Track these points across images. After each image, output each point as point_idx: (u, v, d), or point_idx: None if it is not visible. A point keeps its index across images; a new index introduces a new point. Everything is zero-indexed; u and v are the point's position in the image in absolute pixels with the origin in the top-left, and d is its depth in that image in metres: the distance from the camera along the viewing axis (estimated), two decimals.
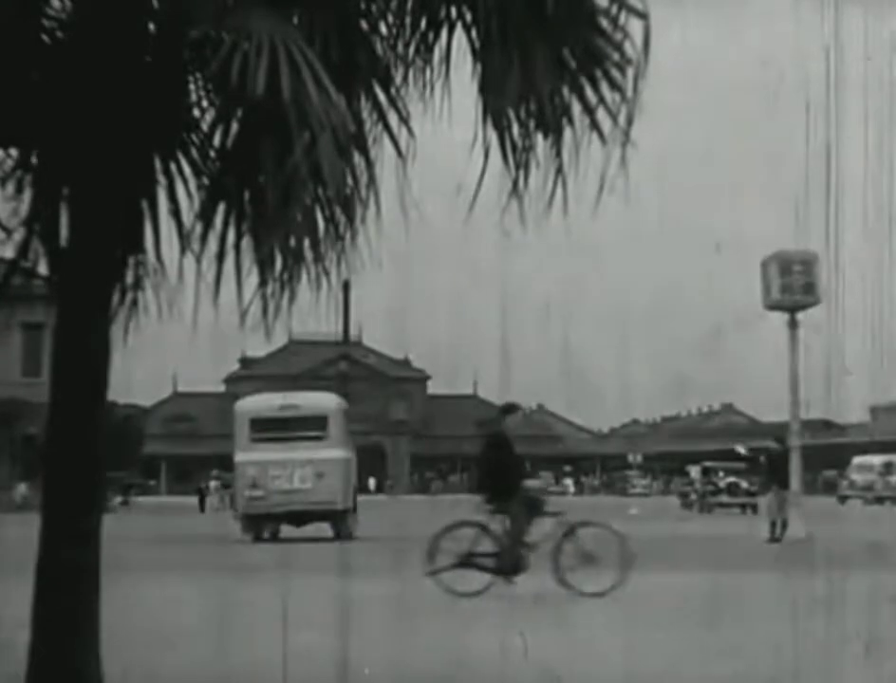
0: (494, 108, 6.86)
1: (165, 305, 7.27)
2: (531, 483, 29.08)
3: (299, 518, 28.69)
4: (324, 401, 31.06)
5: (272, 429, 28.73)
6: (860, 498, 65.59)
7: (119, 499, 62.30)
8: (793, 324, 32.88)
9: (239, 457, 29.37)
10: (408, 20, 7.08)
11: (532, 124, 6.86)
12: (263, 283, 6.75)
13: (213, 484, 66.76)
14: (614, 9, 6.77)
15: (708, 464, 58.19)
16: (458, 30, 7.01)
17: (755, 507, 47.72)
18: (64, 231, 7.16)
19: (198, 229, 6.84)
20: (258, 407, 30.53)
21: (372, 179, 7.07)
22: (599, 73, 6.83)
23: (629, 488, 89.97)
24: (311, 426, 28.71)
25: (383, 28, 7.14)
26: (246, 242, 6.80)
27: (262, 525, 28.52)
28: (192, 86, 7.06)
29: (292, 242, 6.67)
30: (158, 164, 7.17)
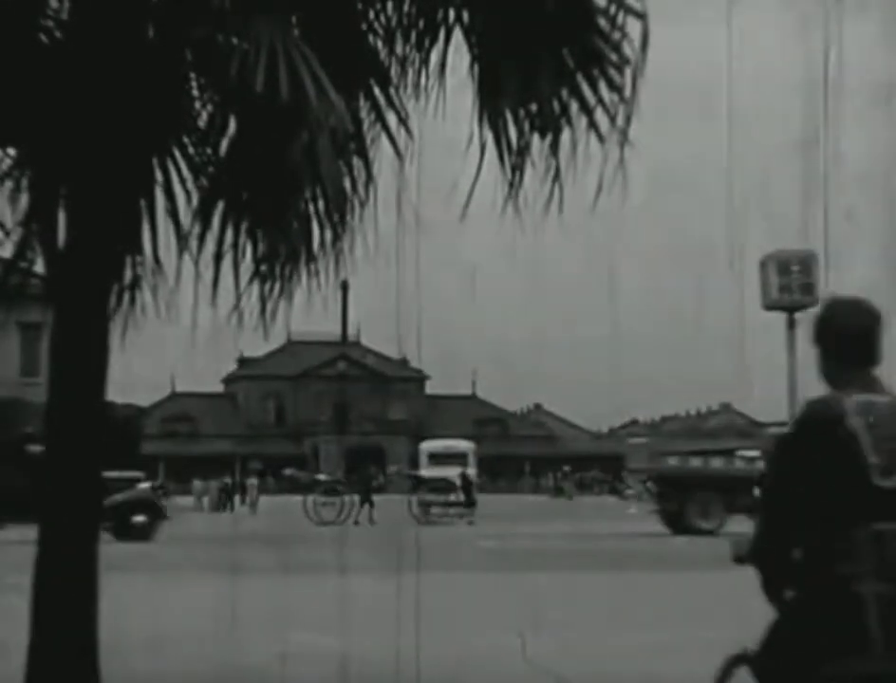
0: (490, 109, 6.86)
1: (163, 305, 7.28)
2: None
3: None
4: (464, 444, 53.99)
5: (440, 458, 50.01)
6: None
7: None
8: (791, 324, 32.84)
9: (423, 473, 47.73)
10: (406, 21, 7.09)
11: (528, 125, 6.86)
12: (261, 282, 6.76)
13: (212, 484, 66.12)
14: (612, 10, 6.77)
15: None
16: (457, 31, 7.02)
17: None
18: (61, 231, 7.16)
19: (196, 229, 6.84)
20: (432, 446, 54.11)
21: (370, 179, 7.07)
22: (597, 73, 6.83)
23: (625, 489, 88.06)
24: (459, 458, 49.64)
25: (382, 29, 7.14)
26: (243, 242, 6.80)
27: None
28: (190, 87, 7.07)
29: (290, 242, 6.67)
30: (156, 164, 7.18)
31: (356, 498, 42.05)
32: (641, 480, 44.29)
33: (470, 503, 43.08)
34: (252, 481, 65.73)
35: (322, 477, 58.45)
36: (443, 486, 43.57)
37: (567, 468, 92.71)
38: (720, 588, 16.96)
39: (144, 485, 34.48)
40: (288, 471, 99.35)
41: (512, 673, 9.80)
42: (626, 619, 13.44)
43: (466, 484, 43.22)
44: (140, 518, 31.67)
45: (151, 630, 11.78)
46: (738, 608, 6.53)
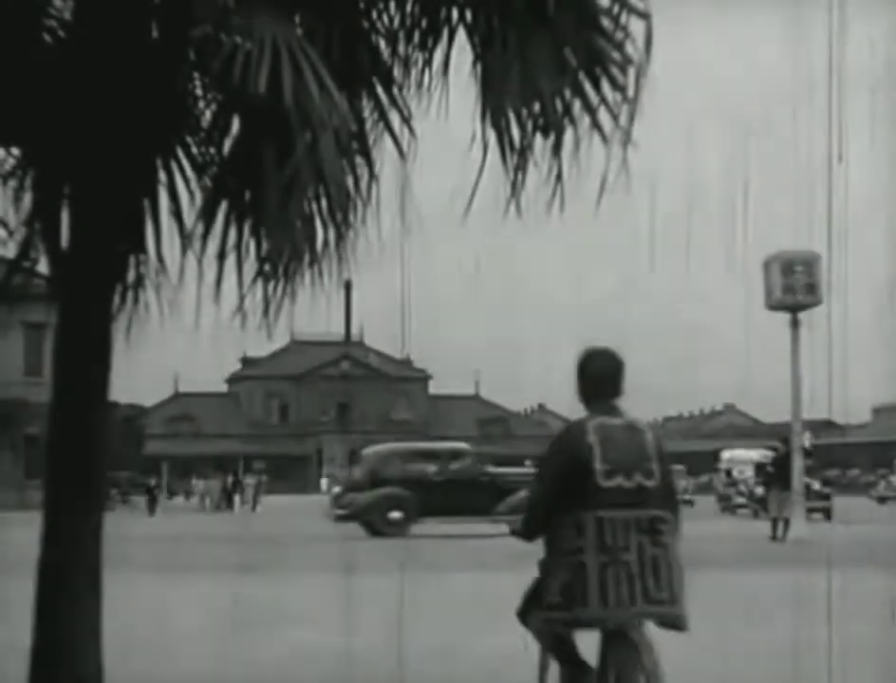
0: (493, 108, 6.86)
1: (166, 305, 7.28)
2: None
3: None
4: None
5: None
6: None
7: (119, 498, 62.24)
8: (794, 325, 32.85)
9: None
10: (409, 20, 7.09)
11: (530, 125, 6.86)
12: (264, 282, 6.76)
13: (203, 483, 65.64)
14: (616, 9, 6.77)
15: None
16: (459, 30, 7.02)
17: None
18: (65, 231, 7.16)
19: (200, 228, 6.84)
20: None
21: (373, 178, 7.08)
22: (600, 73, 6.83)
23: None
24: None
25: (384, 29, 7.15)
26: (247, 241, 6.80)
27: None
28: (193, 86, 7.07)
29: (293, 241, 6.67)
30: (159, 163, 7.18)
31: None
32: None
33: None
34: (250, 480, 65.73)
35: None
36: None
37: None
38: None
39: None
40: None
41: (511, 673, 9.78)
42: None
43: None
44: None
45: None
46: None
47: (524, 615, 6.19)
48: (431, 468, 33.29)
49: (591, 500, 5.81)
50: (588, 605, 5.75)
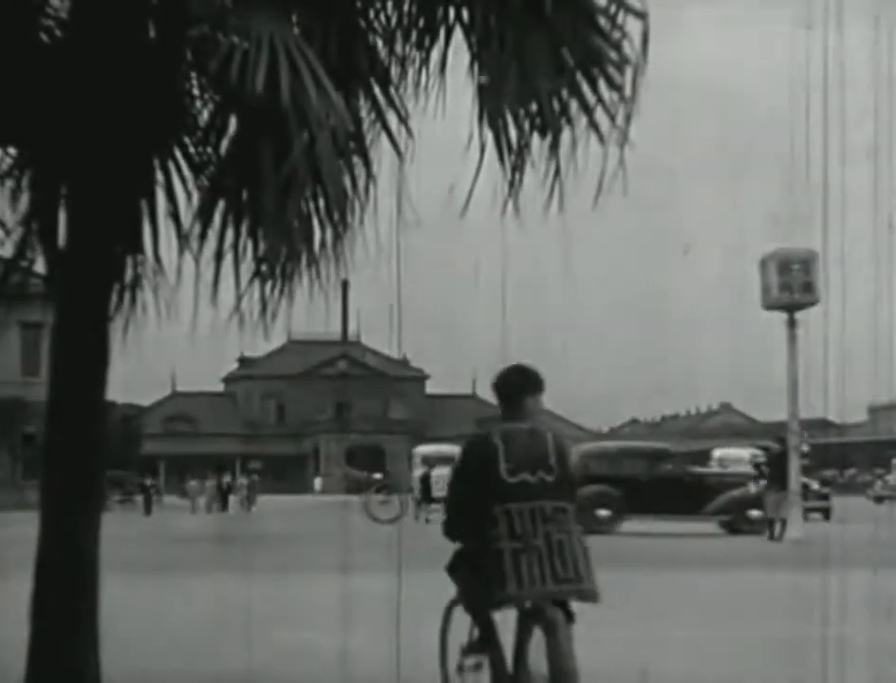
0: (490, 108, 6.86)
1: (164, 305, 7.28)
2: None
3: None
4: (454, 449, 49.29)
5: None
6: None
7: (117, 498, 62.10)
8: (791, 324, 32.78)
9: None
10: (407, 20, 7.09)
11: (528, 125, 6.87)
12: (262, 282, 6.76)
13: (197, 483, 65.42)
14: (612, 9, 6.77)
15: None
16: (457, 30, 7.02)
17: (827, 512, 42.19)
18: (62, 231, 7.17)
19: (197, 228, 6.84)
20: (425, 450, 54.06)
21: (370, 178, 7.08)
22: (597, 72, 6.83)
23: None
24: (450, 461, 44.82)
25: (382, 28, 7.15)
26: (244, 241, 6.80)
27: None
28: (191, 86, 7.07)
29: (291, 241, 6.67)
30: (156, 163, 7.18)
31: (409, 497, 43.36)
32: None
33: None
34: (243, 480, 65.57)
35: (378, 476, 58.84)
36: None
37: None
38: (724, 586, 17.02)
39: None
40: (344, 469, 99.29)
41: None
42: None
43: None
44: None
45: None
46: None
47: (452, 570, 7.11)
48: (638, 467, 33.74)
49: (500, 495, 6.63)
50: (505, 587, 6.56)
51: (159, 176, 7.20)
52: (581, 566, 6.63)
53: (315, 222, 6.74)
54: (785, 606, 13.57)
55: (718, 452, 59.56)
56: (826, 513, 42.32)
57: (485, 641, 7.01)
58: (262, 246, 6.79)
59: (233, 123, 6.85)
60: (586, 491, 31.73)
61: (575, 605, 6.61)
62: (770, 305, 33.49)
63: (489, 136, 6.88)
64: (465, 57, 6.99)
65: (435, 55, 7.10)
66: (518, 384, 7.02)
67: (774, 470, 31.84)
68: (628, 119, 6.79)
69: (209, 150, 7.10)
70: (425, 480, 43.28)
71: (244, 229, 6.80)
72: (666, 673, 9.74)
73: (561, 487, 6.72)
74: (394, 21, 7.13)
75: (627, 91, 6.78)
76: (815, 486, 42.97)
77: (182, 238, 6.99)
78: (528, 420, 6.89)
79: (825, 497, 43.51)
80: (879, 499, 65.48)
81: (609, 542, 24.91)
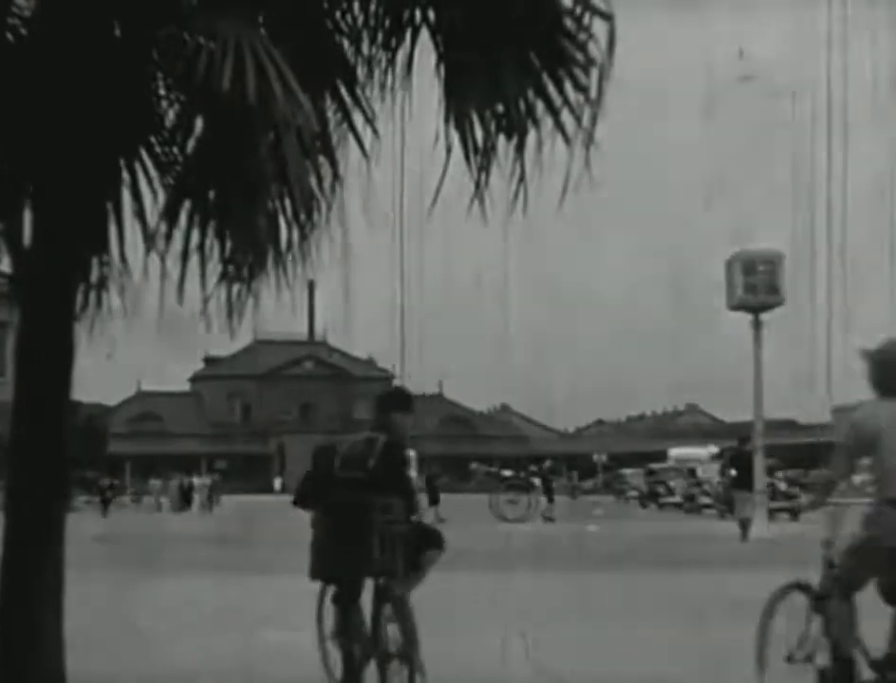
0: (457, 109, 6.88)
1: (130, 305, 7.26)
2: None
3: None
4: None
5: None
6: None
7: (84, 498, 61.70)
8: (756, 325, 32.91)
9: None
10: (373, 21, 7.10)
11: (494, 126, 6.88)
12: (228, 282, 6.76)
13: (160, 483, 64.93)
14: (579, 10, 6.79)
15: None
16: (423, 31, 7.03)
17: (794, 512, 40.70)
18: (27, 230, 7.14)
19: (163, 228, 6.83)
20: None
21: (337, 178, 7.08)
22: (563, 74, 6.85)
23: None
24: None
25: (348, 29, 7.15)
26: (210, 241, 6.80)
27: None
28: (157, 86, 7.06)
29: (257, 241, 6.67)
30: (122, 163, 7.16)
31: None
32: None
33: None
34: (206, 480, 65.30)
35: (507, 473, 58.52)
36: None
37: (533, 467, 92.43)
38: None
39: None
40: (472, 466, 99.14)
41: (513, 672, 9.80)
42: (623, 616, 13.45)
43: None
44: None
45: None
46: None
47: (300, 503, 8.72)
48: None
49: (333, 486, 8.35)
50: (324, 564, 8.36)
51: (125, 176, 7.18)
52: (387, 549, 8.21)
53: (282, 222, 6.74)
54: (726, 607, 13.55)
55: (673, 452, 59.65)
56: (794, 513, 42.46)
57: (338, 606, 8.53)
58: (228, 245, 6.79)
59: (199, 123, 6.85)
60: None
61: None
62: (735, 307, 33.62)
63: (455, 136, 6.90)
64: (432, 58, 7.00)
65: (401, 56, 7.11)
66: (388, 404, 8.87)
67: (741, 470, 31.95)
68: (594, 120, 6.81)
69: (175, 150, 7.09)
70: None
71: (210, 228, 6.79)
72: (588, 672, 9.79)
73: (382, 484, 8.30)
74: (360, 21, 7.13)
75: (593, 92, 6.79)
76: (783, 486, 42.99)
77: (148, 238, 6.98)
78: (382, 431, 8.55)
79: (792, 497, 43.54)
80: None
81: None
